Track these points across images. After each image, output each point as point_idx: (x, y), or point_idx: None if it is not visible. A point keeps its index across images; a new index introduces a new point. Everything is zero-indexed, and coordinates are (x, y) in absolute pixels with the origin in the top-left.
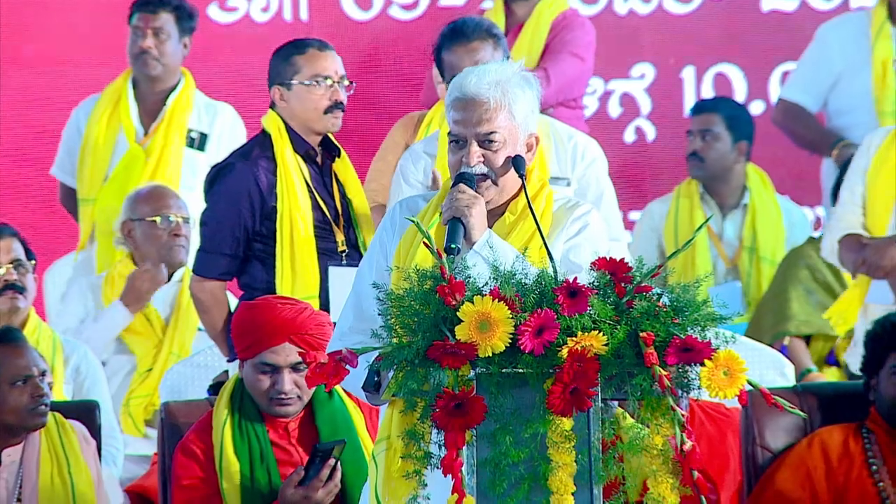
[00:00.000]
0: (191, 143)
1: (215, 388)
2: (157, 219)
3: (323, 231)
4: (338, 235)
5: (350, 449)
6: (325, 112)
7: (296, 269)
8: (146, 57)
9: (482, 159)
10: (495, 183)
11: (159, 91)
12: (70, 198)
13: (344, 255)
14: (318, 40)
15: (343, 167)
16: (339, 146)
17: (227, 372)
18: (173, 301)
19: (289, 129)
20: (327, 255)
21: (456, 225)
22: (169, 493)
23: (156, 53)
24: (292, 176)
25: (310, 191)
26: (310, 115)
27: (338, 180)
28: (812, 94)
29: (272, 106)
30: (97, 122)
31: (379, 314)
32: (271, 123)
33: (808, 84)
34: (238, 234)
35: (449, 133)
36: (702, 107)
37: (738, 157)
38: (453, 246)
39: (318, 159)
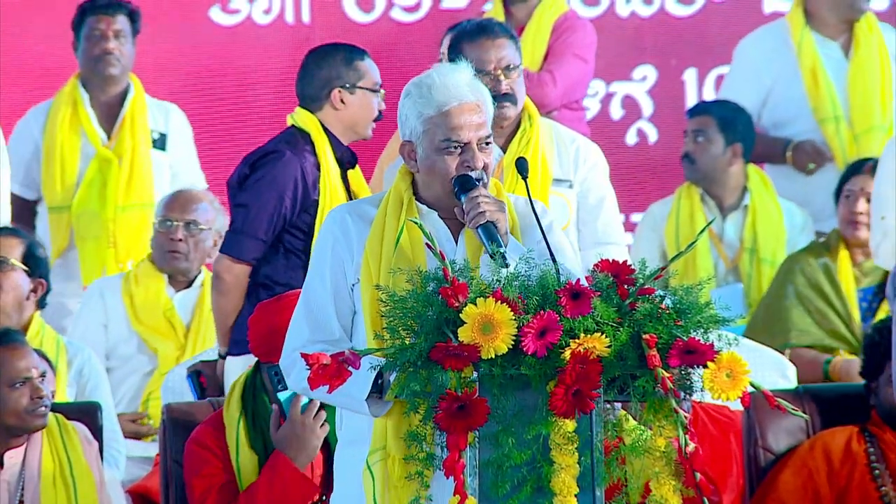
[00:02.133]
0: (152, 143)
1: (195, 376)
2: (156, 222)
3: None
4: None
5: None
6: (374, 120)
7: None
8: (110, 58)
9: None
10: (485, 185)
11: (113, 94)
12: (27, 210)
13: None
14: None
15: (356, 177)
16: (357, 156)
17: (204, 362)
18: (194, 307)
19: (326, 131)
20: None
21: (491, 229)
22: (171, 491)
23: (118, 55)
24: (332, 174)
25: (345, 192)
26: (364, 120)
27: (350, 188)
28: None
29: (306, 106)
30: (59, 130)
31: (383, 315)
32: (308, 122)
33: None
34: (276, 222)
35: (445, 140)
36: (696, 109)
37: (731, 159)
38: (501, 250)
39: (343, 165)
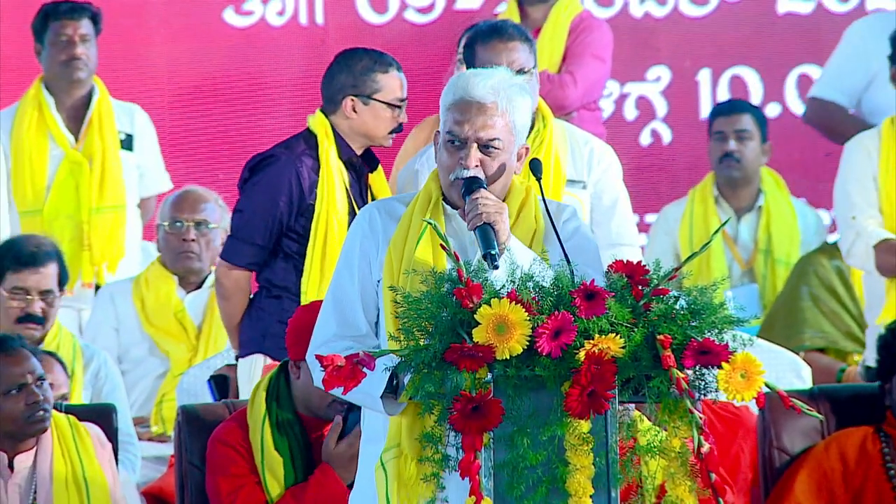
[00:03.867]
0: (119, 144)
1: (219, 384)
2: (167, 224)
3: None
4: None
5: None
6: (390, 132)
7: (324, 272)
8: (77, 63)
9: (479, 164)
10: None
11: (78, 97)
12: None
13: None
14: (394, 59)
15: (378, 180)
16: (378, 159)
17: (228, 366)
18: (205, 308)
19: (336, 134)
20: None
21: (487, 231)
22: (187, 493)
23: (86, 59)
24: (334, 178)
25: (348, 196)
26: (377, 132)
27: (371, 192)
28: (846, 93)
29: (325, 106)
30: (26, 133)
31: (397, 317)
32: (319, 125)
33: (842, 82)
34: (272, 226)
35: (447, 132)
36: (734, 107)
37: (762, 157)
38: (493, 252)
39: (357, 168)
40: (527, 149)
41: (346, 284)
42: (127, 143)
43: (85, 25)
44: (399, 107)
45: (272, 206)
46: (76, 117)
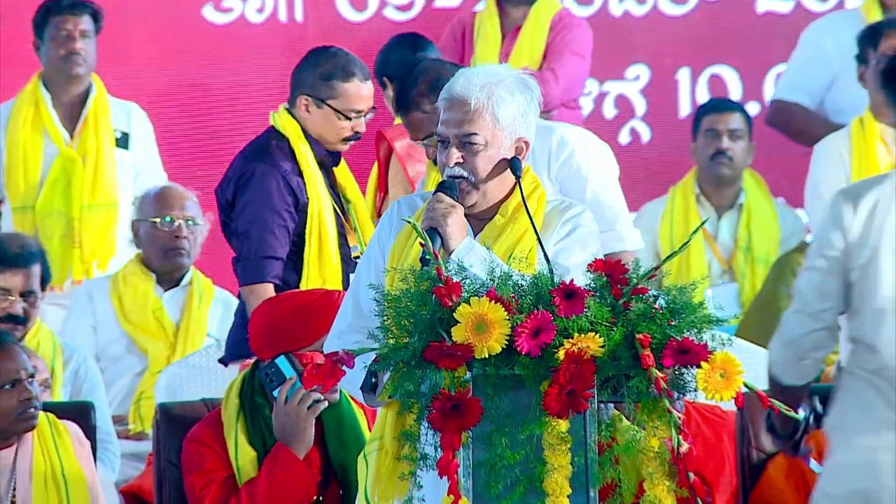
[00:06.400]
0: (115, 142)
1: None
2: (157, 220)
3: (339, 236)
4: (351, 239)
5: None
6: (343, 140)
7: (323, 271)
8: (77, 58)
9: (460, 161)
10: (475, 186)
11: (76, 94)
12: None
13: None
14: (363, 65)
15: (342, 172)
16: (339, 153)
17: None
18: (183, 306)
19: (306, 135)
20: (344, 261)
21: (433, 234)
22: (165, 491)
23: (84, 55)
24: (316, 179)
25: (330, 194)
26: (326, 136)
27: (340, 185)
28: (809, 94)
29: (290, 108)
30: (21, 129)
31: (375, 315)
32: (288, 127)
33: (804, 83)
34: (282, 236)
35: (436, 132)
36: (725, 106)
37: (748, 157)
38: (427, 257)
39: (326, 165)
40: (527, 143)
41: (364, 276)
42: (123, 142)
43: (86, 21)
44: (350, 118)
45: (277, 217)
46: (72, 114)
